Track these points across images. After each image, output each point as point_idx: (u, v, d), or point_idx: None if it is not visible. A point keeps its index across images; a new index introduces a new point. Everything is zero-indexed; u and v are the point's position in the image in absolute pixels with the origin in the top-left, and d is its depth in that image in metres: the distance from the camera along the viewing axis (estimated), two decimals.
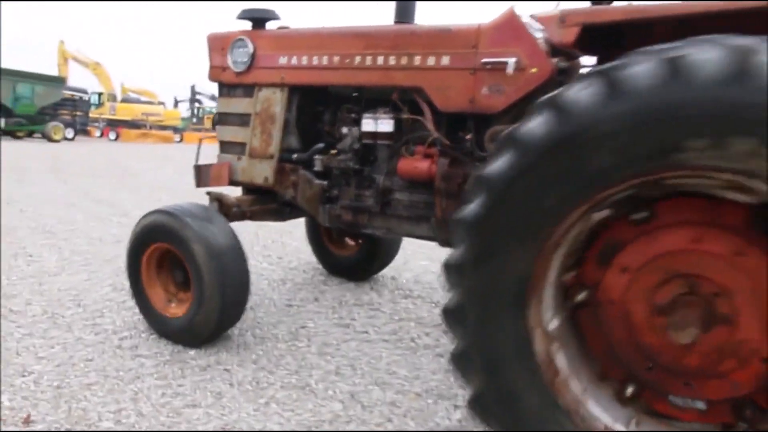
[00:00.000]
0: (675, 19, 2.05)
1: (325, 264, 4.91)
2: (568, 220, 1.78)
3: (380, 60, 3.06)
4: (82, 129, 30.92)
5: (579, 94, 1.71)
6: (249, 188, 3.81)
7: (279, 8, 3.79)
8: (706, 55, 1.56)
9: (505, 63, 2.59)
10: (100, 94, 34.97)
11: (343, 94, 3.47)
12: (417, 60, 2.93)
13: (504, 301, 1.89)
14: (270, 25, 3.69)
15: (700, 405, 1.92)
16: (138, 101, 36.68)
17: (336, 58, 3.22)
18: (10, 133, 23.11)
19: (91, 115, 33.89)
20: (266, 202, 3.78)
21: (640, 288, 1.89)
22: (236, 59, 3.62)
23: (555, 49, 2.56)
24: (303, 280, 4.72)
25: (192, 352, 3.20)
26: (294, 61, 3.41)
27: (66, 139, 25.50)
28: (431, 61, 2.89)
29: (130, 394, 2.75)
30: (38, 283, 4.28)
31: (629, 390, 1.97)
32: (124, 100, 35.99)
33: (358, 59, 3.14)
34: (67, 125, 26.46)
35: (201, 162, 3.67)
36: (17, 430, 2.43)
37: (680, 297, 1.84)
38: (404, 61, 2.98)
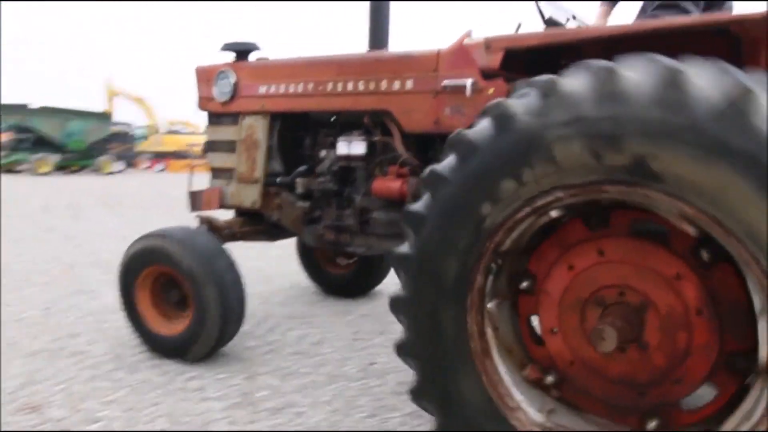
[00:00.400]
0: (583, 42, 2.20)
1: (319, 283, 5.05)
2: (511, 220, 1.87)
3: (350, 86, 3.24)
4: (129, 162, 31.80)
5: (512, 103, 1.84)
6: (239, 211, 4.02)
7: (269, 37, 4.08)
8: (571, 79, 1.74)
9: (464, 85, 2.72)
10: (147, 127, 35.96)
11: (321, 119, 3.64)
12: (384, 85, 3.10)
13: (447, 285, 2.00)
14: (253, 56, 3.90)
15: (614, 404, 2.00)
16: (181, 132, 37.60)
17: (310, 86, 3.42)
18: (64, 168, 23.88)
19: (137, 148, 34.85)
20: (255, 224, 3.97)
21: (578, 290, 1.99)
22: (221, 90, 3.83)
23: (485, 73, 2.67)
24: (334, 312, 4.56)
25: (260, 394, 3.06)
26: (273, 89, 3.61)
27: (115, 172, 26.23)
28: (396, 85, 3.05)
29: None
30: (100, 321, 4.24)
31: (549, 378, 2.07)
32: (169, 132, 36.91)
33: (330, 86, 3.32)
34: (116, 158, 27.26)
35: (194, 188, 3.93)
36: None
37: (611, 306, 1.92)
38: (372, 86, 3.15)
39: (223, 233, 3.80)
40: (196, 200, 3.92)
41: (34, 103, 22.48)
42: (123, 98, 36.16)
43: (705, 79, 1.57)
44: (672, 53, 1.71)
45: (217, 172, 4.02)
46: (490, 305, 2.04)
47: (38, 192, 15.35)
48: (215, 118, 3.99)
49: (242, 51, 3.86)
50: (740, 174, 1.50)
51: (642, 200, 1.70)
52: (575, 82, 1.73)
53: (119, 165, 27.43)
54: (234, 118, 3.85)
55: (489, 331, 2.05)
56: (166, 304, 3.60)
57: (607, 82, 1.66)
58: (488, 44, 2.47)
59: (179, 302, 3.52)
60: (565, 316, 2.02)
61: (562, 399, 2.09)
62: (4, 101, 22.88)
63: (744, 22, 2.03)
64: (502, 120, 1.83)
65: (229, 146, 3.89)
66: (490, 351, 2.04)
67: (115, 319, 4.29)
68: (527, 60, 2.34)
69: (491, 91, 2.61)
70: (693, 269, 1.81)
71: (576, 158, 1.71)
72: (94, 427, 2.72)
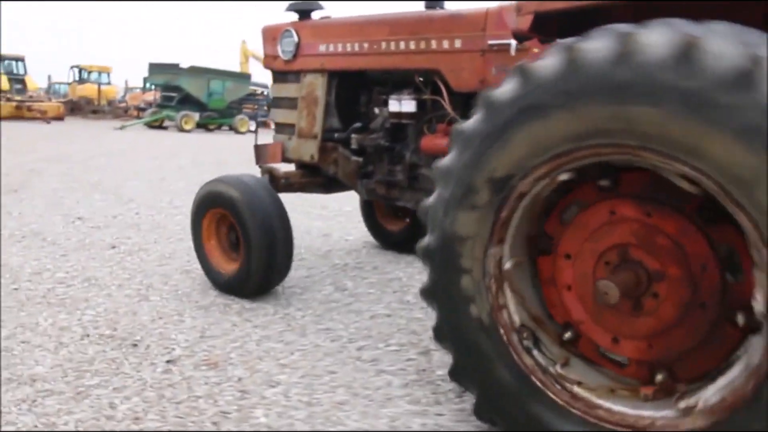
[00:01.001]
0: (612, 6, 2.10)
1: (377, 238, 5.22)
2: (530, 177, 1.94)
3: (402, 45, 3.35)
4: (261, 122, 32.99)
5: (538, 65, 1.88)
6: (299, 164, 4.22)
7: None
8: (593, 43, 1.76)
9: (509, 44, 2.79)
10: None
11: (375, 77, 3.75)
12: (434, 44, 3.19)
13: (470, 240, 2.08)
14: (315, 15, 4.05)
15: (623, 359, 2.07)
16: None
17: (365, 45, 3.55)
18: (203, 126, 25.22)
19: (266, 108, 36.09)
20: (313, 176, 4.18)
21: (591, 248, 2.05)
22: (284, 48, 4.03)
23: (517, 36, 2.60)
24: None
25: (439, 373, 2.84)
26: (331, 48, 3.77)
27: (250, 131, 27.35)
28: (446, 44, 3.13)
29: (385, 420, 2.43)
30: None
31: (567, 334, 2.15)
32: None
33: (384, 45, 3.45)
34: (250, 118, 28.38)
35: (260, 142, 4.24)
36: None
37: (621, 263, 1.99)
38: (423, 45, 3.24)
39: (280, 183, 4.04)
40: (260, 153, 4.18)
41: (183, 63, 23.83)
42: (255, 60, 37.35)
43: (714, 45, 1.58)
44: (707, 16, 1.71)
45: (280, 127, 4.27)
46: (507, 265, 2.12)
47: (186, 147, 16.24)
48: (279, 76, 4.23)
49: (305, 11, 4.04)
50: (727, 129, 1.56)
51: (641, 161, 1.76)
52: (586, 45, 1.78)
53: (253, 124, 28.57)
54: (296, 75, 4.05)
55: (507, 286, 2.13)
56: (226, 244, 3.89)
57: (616, 46, 1.71)
58: (519, 8, 2.46)
59: (236, 243, 3.77)
60: (578, 273, 2.10)
61: (577, 353, 2.16)
62: (157, 61, 24.48)
63: None
64: (523, 78, 1.90)
65: (292, 103, 4.10)
66: (506, 304, 2.13)
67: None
68: (563, 23, 2.28)
69: (536, 50, 2.59)
70: (698, 227, 1.86)
71: (583, 121, 1.79)
72: (273, 391, 2.63)
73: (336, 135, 3.89)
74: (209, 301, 3.75)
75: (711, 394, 1.77)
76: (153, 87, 33.60)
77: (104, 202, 6.95)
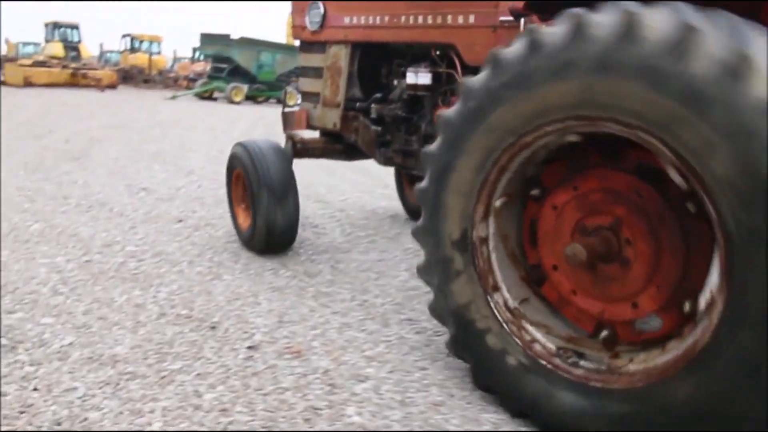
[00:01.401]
0: None
1: (406, 210, 5.39)
2: (524, 139, 2.11)
3: (420, 19, 3.44)
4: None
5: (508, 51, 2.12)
6: (323, 131, 4.38)
7: None
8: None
9: (519, 22, 2.83)
10: None
11: (395, 50, 3.87)
12: (449, 19, 3.27)
13: (462, 181, 2.29)
14: None
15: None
16: None
17: (386, 18, 3.65)
18: (252, 98, 25.22)
19: None
20: (335, 143, 4.35)
21: (576, 206, 2.20)
22: (311, 19, 4.19)
23: (514, 13, 2.72)
24: None
25: None
26: (354, 20, 3.89)
27: (298, 104, 27.21)
28: (460, 19, 3.21)
29: (489, 426, 2.25)
30: (335, 261, 4.07)
31: (533, 273, 2.38)
32: None
33: (403, 19, 3.53)
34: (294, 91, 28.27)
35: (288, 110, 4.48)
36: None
37: (598, 228, 2.13)
38: (439, 20, 3.32)
39: (297, 148, 4.21)
40: (287, 120, 4.38)
41: (234, 34, 23.78)
42: None
43: (658, 21, 1.72)
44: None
45: (306, 96, 4.46)
46: (497, 202, 2.30)
47: (238, 119, 16.22)
48: (306, 46, 4.41)
49: None
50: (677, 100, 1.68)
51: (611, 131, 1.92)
52: (553, 29, 1.98)
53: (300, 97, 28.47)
54: (322, 46, 4.20)
55: (491, 223, 2.34)
56: (244, 202, 4.15)
57: (575, 25, 1.88)
58: None
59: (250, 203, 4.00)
60: (559, 226, 2.25)
61: (540, 295, 2.38)
62: (208, 31, 24.51)
63: None
64: (533, 42, 2.01)
65: (317, 72, 4.26)
66: (487, 240, 2.35)
67: (348, 260, 4.10)
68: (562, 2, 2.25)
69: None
70: (673, 209, 1.96)
71: (557, 95, 1.96)
72: (363, 386, 2.48)
73: (357, 104, 4.05)
74: (283, 282, 3.62)
75: (641, 360, 2.02)
76: (202, 57, 33.85)
77: (165, 174, 6.90)
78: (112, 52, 40.55)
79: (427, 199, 2.41)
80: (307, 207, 5.60)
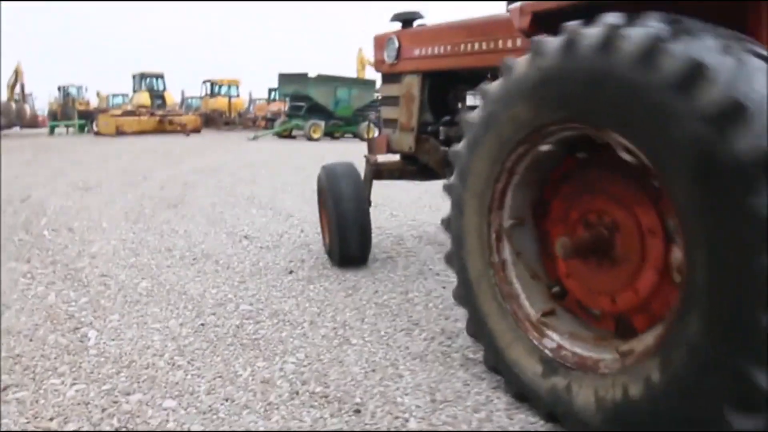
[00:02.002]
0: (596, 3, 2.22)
1: None
2: (520, 148, 2.38)
3: (476, 46, 3.66)
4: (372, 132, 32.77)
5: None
6: (402, 155, 4.73)
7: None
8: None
9: None
10: None
11: (460, 76, 4.08)
12: (500, 44, 3.44)
13: (475, 201, 2.59)
14: (417, 23, 4.57)
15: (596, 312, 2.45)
16: None
17: (449, 47, 3.93)
18: (329, 134, 25.38)
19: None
20: (412, 165, 4.68)
21: (570, 212, 2.47)
22: (389, 53, 4.56)
23: (524, 33, 2.76)
24: None
25: None
26: (423, 52, 4.21)
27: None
28: (510, 43, 3.38)
29: None
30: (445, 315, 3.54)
31: (555, 289, 2.58)
32: None
33: (462, 47, 3.79)
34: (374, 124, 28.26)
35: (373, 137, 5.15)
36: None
37: (586, 226, 2.38)
38: (492, 45, 3.51)
39: (375, 170, 4.68)
40: (371, 145, 4.82)
41: (311, 72, 24.06)
42: (371, 67, 37.43)
43: (632, 32, 1.86)
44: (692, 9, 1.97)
45: (387, 122, 4.82)
46: (506, 224, 2.56)
47: (321, 156, 16.15)
48: (386, 77, 4.77)
49: (407, 20, 4.56)
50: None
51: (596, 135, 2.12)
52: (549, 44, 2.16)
53: (377, 131, 28.41)
54: (398, 77, 4.55)
55: (506, 245, 2.59)
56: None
57: (564, 40, 2.08)
58: (522, 9, 2.71)
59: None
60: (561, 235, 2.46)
61: (564, 307, 2.53)
62: (285, 71, 24.95)
63: None
64: (535, 53, 2.22)
65: (395, 101, 4.61)
66: (505, 261, 2.60)
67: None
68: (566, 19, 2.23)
69: None
70: (648, 196, 2.11)
71: (545, 102, 2.20)
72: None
73: (429, 128, 4.32)
74: (421, 346, 3.13)
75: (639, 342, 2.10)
76: (279, 97, 34.68)
77: (264, 218, 6.64)
78: (193, 98, 42.32)
79: (452, 193, 2.74)
80: (424, 250, 5.13)
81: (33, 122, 31.15)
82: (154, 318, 3.57)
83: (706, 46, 1.73)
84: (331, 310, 3.68)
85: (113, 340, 3.24)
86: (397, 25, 4.66)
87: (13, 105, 29.66)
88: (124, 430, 2.39)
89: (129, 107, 30.43)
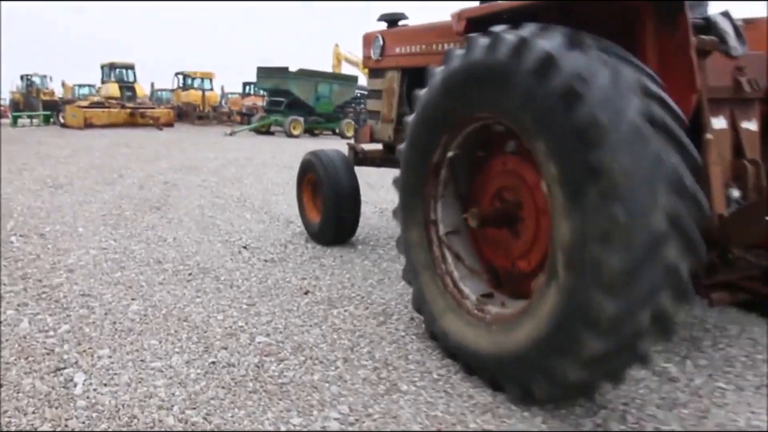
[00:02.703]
0: (514, 10, 2.85)
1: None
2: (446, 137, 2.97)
3: (444, 46, 4.08)
4: (362, 125, 32.15)
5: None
6: (383, 144, 5.12)
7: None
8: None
9: None
10: None
11: None
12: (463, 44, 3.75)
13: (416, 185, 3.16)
14: (401, 23, 4.96)
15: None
16: None
17: (423, 47, 4.42)
18: (309, 131, 24.62)
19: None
20: (390, 153, 4.91)
21: (488, 191, 3.05)
22: (374, 51, 4.96)
23: (460, 35, 3.33)
24: None
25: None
26: (402, 50, 4.69)
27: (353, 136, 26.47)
28: None
29: None
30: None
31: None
32: None
33: (433, 46, 4.27)
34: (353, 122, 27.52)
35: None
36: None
37: (499, 198, 2.98)
38: (455, 45, 3.66)
39: (359, 157, 5.14)
40: (357, 135, 5.41)
41: (292, 66, 23.18)
42: (347, 62, 36.61)
43: (512, 36, 2.41)
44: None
45: (371, 114, 5.23)
46: (449, 153, 3.05)
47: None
48: (372, 73, 5.17)
49: (392, 20, 4.93)
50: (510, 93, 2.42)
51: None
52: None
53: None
54: (381, 72, 4.95)
55: (444, 171, 3.10)
56: (314, 200, 5.15)
57: (470, 46, 2.65)
58: (459, 15, 3.30)
59: (320, 201, 4.94)
60: (484, 193, 3.10)
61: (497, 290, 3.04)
62: (265, 65, 24.03)
63: None
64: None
65: (378, 94, 5.00)
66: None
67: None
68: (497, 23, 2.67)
69: None
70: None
71: (464, 96, 2.75)
72: None
73: (405, 119, 4.69)
74: (488, 396, 2.58)
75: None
76: (256, 91, 33.70)
77: (261, 224, 6.00)
78: (163, 90, 41.02)
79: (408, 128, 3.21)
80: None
81: None
82: (153, 353, 2.95)
83: (589, 57, 2.20)
84: (366, 344, 3.11)
85: (106, 385, 2.61)
86: (384, 25, 5.09)
87: None
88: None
89: (97, 98, 29.15)
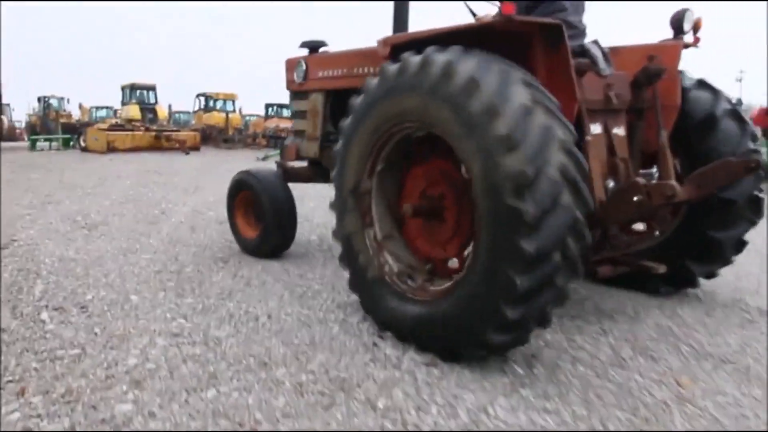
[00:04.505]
0: (437, 37, 3.32)
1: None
2: (384, 136, 3.49)
3: (366, 69, 4.50)
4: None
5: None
6: (308, 160, 5.56)
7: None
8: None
9: None
10: None
11: (355, 93, 4.47)
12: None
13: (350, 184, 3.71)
14: (322, 50, 5.47)
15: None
16: None
17: (345, 70, 4.87)
18: None
19: None
20: (317, 170, 5.48)
21: (415, 186, 3.66)
22: (298, 75, 5.45)
23: (385, 59, 3.76)
24: None
25: None
26: (325, 73, 5.12)
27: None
28: None
29: None
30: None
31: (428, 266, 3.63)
32: None
33: (355, 70, 4.72)
34: None
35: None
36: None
37: (429, 195, 3.55)
38: (376, 69, 3.68)
39: (288, 173, 5.54)
40: (283, 153, 5.69)
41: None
42: None
43: (438, 58, 3.03)
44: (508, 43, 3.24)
45: (297, 133, 5.63)
46: (378, 167, 3.65)
47: None
48: (295, 95, 5.61)
49: (313, 47, 5.47)
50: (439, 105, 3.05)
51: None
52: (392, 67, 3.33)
53: None
54: (305, 94, 5.43)
55: (375, 179, 3.66)
56: (250, 217, 5.52)
57: (402, 65, 3.25)
58: (384, 41, 3.81)
59: (257, 217, 5.36)
60: (413, 190, 3.66)
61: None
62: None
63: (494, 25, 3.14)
64: (382, 73, 3.43)
65: (303, 114, 5.46)
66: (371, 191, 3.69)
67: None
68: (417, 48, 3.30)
69: None
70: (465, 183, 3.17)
71: (391, 109, 3.35)
72: None
73: (331, 137, 4.99)
74: None
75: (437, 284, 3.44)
76: (278, 113, 32.51)
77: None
78: (181, 112, 39.95)
79: (338, 156, 3.76)
80: None
81: (11, 135, 28.59)
82: None
83: (485, 69, 2.89)
84: None
85: None
86: (305, 51, 5.46)
87: None
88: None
89: (117, 121, 27.98)
